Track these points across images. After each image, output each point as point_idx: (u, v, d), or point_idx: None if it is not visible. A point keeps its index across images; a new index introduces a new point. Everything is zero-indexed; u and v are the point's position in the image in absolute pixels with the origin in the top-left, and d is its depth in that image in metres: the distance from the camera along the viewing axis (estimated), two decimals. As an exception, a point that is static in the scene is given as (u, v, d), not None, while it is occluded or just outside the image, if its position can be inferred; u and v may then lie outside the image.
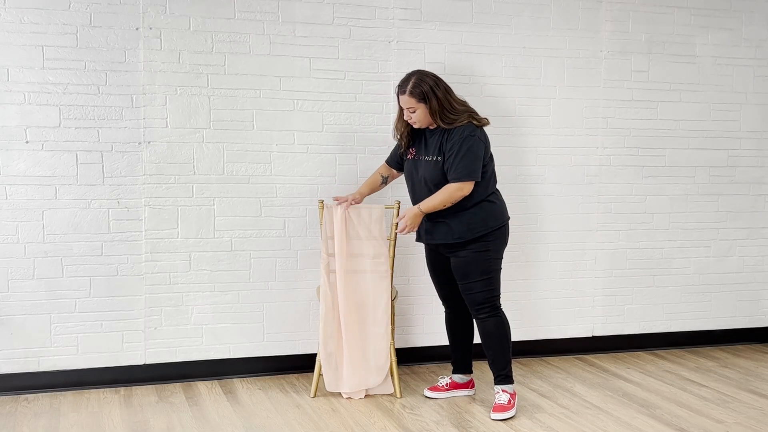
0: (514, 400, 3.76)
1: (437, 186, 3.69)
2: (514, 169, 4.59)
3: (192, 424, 3.58)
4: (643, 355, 4.87)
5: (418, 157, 3.78)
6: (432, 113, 3.68)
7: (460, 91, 4.45)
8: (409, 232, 3.75)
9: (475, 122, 3.69)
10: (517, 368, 4.52)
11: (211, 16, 4.07)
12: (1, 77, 3.82)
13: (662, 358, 4.82)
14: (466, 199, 3.67)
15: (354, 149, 4.32)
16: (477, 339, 4.04)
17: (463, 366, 4.05)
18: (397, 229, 3.77)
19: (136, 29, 3.97)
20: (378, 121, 4.35)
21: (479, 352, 3.99)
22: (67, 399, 3.90)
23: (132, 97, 3.99)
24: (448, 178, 3.65)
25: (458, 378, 4.06)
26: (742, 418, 3.75)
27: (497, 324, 3.77)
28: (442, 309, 4.13)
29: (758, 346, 5.16)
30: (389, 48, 4.35)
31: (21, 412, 3.70)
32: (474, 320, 3.89)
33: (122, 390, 4.04)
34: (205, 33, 4.06)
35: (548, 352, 4.79)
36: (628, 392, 4.12)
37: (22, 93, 3.85)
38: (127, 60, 3.97)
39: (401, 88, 3.71)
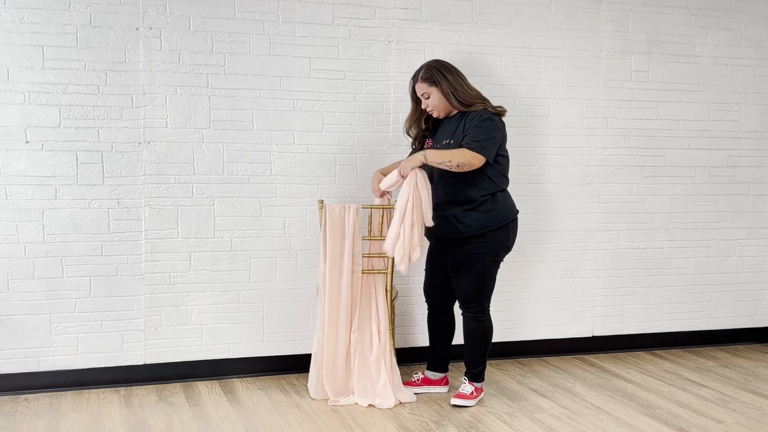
0: (477, 394, 3.87)
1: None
2: (514, 169, 4.56)
3: (192, 424, 3.58)
4: (643, 355, 4.87)
5: (436, 146, 3.83)
6: (446, 95, 3.73)
7: (460, 91, 4.45)
8: (407, 175, 3.65)
9: (491, 110, 3.76)
10: (517, 368, 4.52)
11: (211, 16, 4.06)
12: (1, 77, 3.82)
13: (662, 358, 4.82)
14: (474, 192, 3.69)
15: (354, 149, 4.32)
16: (457, 340, 4.07)
17: (438, 365, 4.09)
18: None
19: (136, 29, 3.97)
20: (378, 121, 4.35)
21: (458, 354, 4.01)
22: (67, 399, 3.90)
23: (132, 97, 3.99)
24: (462, 145, 3.67)
25: (431, 374, 4.09)
26: (742, 418, 3.75)
27: (479, 327, 3.87)
28: (442, 309, 4.14)
29: (758, 346, 5.16)
30: (389, 48, 4.35)
31: (21, 412, 3.70)
32: (461, 316, 3.94)
33: (122, 390, 4.04)
34: (205, 33, 4.06)
35: (548, 352, 4.79)
36: (628, 392, 4.12)
37: (22, 93, 3.85)
38: (127, 60, 3.97)
39: (414, 77, 3.84)
